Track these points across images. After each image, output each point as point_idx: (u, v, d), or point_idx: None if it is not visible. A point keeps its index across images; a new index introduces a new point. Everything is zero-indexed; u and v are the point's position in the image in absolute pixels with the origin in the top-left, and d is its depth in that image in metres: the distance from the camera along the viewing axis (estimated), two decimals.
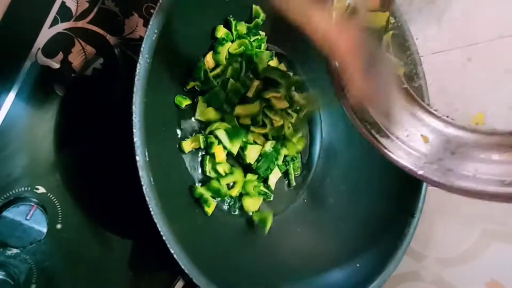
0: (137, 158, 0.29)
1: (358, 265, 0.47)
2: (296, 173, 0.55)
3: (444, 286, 0.52)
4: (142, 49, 0.29)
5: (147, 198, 0.29)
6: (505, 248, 0.48)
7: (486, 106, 0.53)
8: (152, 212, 0.29)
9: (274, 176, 0.51)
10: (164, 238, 0.30)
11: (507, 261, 0.47)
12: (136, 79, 0.29)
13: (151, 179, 0.30)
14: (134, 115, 0.29)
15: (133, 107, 0.28)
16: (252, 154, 0.47)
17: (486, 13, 0.57)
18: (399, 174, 0.51)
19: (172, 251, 0.30)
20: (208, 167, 0.45)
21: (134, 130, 0.28)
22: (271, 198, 0.51)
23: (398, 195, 0.51)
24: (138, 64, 0.29)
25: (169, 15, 0.32)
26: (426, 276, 0.54)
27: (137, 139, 0.29)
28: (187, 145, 0.44)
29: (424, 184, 0.49)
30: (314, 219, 0.53)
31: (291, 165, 0.54)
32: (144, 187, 0.29)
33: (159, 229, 0.29)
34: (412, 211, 0.48)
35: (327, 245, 0.51)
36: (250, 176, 0.49)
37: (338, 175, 0.56)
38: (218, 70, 0.46)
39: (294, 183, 0.54)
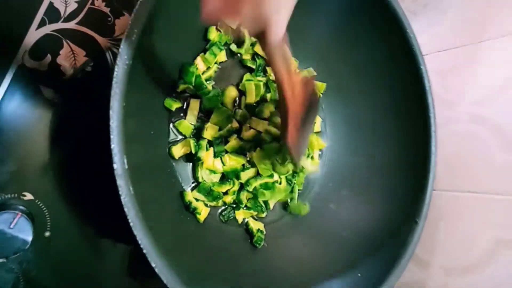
0: (115, 166, 0.27)
1: (359, 274, 0.45)
2: (299, 189, 0.52)
3: None
4: (120, 50, 0.27)
5: (125, 209, 0.27)
6: None
7: (494, 104, 0.51)
8: (131, 224, 0.27)
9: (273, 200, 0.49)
10: (145, 251, 0.28)
11: None
12: (114, 82, 0.27)
13: (131, 188, 0.28)
14: (111, 120, 0.27)
15: (110, 112, 0.27)
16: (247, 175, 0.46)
17: (491, 10, 0.55)
18: (403, 180, 0.49)
19: (154, 265, 0.28)
20: (200, 173, 0.43)
21: (112, 136, 0.27)
22: (264, 215, 0.49)
23: (402, 201, 0.49)
24: (116, 67, 0.27)
25: (152, 13, 0.30)
26: (432, 286, 0.52)
27: (115, 145, 0.27)
28: (177, 150, 0.42)
29: (429, 190, 0.47)
30: (314, 226, 0.51)
31: (295, 182, 0.51)
32: (122, 197, 0.27)
33: (139, 241, 0.28)
34: (416, 218, 0.46)
35: (327, 253, 0.49)
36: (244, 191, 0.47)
37: (340, 180, 0.54)
38: (210, 73, 0.44)
39: (296, 201, 0.51)
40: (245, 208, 0.46)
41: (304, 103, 0.34)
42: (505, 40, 0.52)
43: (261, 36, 0.27)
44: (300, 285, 0.44)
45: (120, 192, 0.27)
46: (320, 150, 0.55)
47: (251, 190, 0.46)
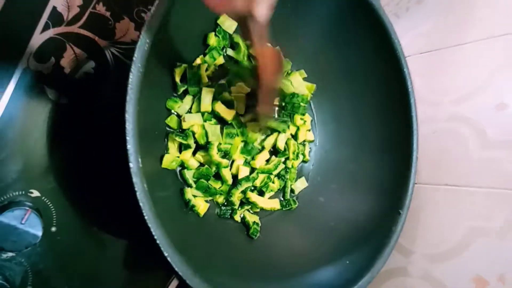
0: (131, 165, 0.29)
1: (348, 262, 0.48)
2: (292, 184, 0.55)
3: (431, 281, 0.54)
4: (134, 58, 0.30)
5: (140, 204, 0.30)
6: (489, 244, 0.49)
7: (473, 104, 0.55)
8: (146, 218, 0.30)
9: (267, 196, 0.52)
10: (158, 242, 0.30)
11: (491, 257, 0.49)
12: (129, 88, 0.30)
13: (145, 185, 0.30)
14: (127, 123, 0.29)
15: (126, 115, 0.29)
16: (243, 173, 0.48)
17: (474, 13, 0.59)
18: (387, 174, 0.53)
19: (166, 254, 0.31)
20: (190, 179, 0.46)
21: (128, 138, 0.29)
22: (258, 209, 0.52)
23: (386, 194, 0.52)
24: (130, 74, 0.30)
25: (161, 24, 0.32)
26: (414, 272, 0.56)
27: (130, 146, 0.29)
28: (173, 147, 0.44)
29: (411, 183, 0.50)
30: (305, 218, 0.55)
31: (288, 177, 0.54)
32: (137, 193, 0.30)
33: (153, 233, 0.30)
34: (399, 209, 0.50)
35: (318, 243, 0.52)
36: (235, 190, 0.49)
37: (329, 174, 0.57)
38: (208, 72, 0.47)
39: (288, 196, 0.54)
40: (239, 208, 0.49)
41: (273, 72, 0.39)
42: (484, 43, 0.56)
43: (246, 18, 0.30)
44: (293, 272, 0.47)
45: (135, 189, 0.30)
46: (310, 146, 0.59)
47: (243, 189, 0.48)
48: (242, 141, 0.48)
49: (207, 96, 0.45)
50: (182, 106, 0.45)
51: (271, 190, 0.51)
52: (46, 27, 0.45)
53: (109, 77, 0.49)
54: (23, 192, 0.44)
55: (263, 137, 0.51)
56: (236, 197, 0.47)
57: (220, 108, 0.46)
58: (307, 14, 0.51)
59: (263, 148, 0.51)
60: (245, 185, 0.48)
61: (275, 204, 0.51)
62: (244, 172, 0.48)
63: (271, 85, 0.40)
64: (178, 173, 0.46)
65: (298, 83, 0.55)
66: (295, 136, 0.55)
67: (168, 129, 0.45)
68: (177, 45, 0.41)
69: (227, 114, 0.47)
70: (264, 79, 0.38)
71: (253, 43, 0.33)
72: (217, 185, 0.47)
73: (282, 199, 0.53)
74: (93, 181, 0.48)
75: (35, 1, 0.45)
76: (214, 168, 0.46)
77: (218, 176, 0.47)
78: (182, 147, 0.45)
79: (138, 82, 0.30)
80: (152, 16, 0.31)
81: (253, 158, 0.50)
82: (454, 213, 0.54)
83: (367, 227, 0.51)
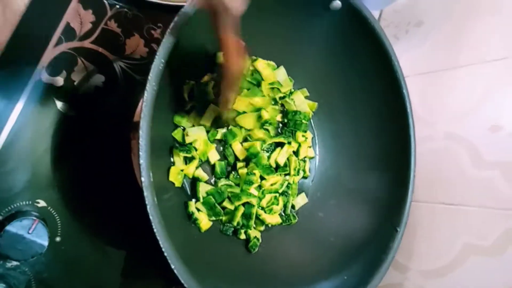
0: (142, 179, 0.31)
1: (345, 277, 0.49)
2: (293, 200, 0.56)
3: None
4: (149, 77, 0.31)
5: (150, 217, 0.31)
6: (482, 262, 0.51)
7: (467, 125, 0.57)
8: (155, 230, 0.31)
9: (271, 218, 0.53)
10: (165, 254, 0.31)
11: (484, 274, 0.50)
12: (143, 106, 0.31)
13: (155, 198, 0.32)
14: (141, 139, 0.30)
15: (140, 131, 0.30)
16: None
17: (470, 37, 0.61)
18: (385, 191, 0.54)
19: (173, 267, 0.32)
20: (201, 192, 0.47)
21: (141, 153, 0.30)
22: (263, 228, 0.53)
23: (383, 210, 0.53)
24: (145, 92, 0.31)
25: (174, 44, 0.34)
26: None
27: (143, 161, 0.31)
28: (178, 160, 0.46)
29: (408, 201, 0.52)
30: (305, 232, 0.56)
31: (290, 192, 0.55)
32: (148, 207, 0.31)
33: (161, 245, 0.31)
34: (396, 226, 0.51)
35: (316, 257, 0.53)
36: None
37: (328, 190, 0.58)
38: (216, 89, 0.48)
39: (288, 211, 0.55)
40: (243, 227, 0.50)
41: (236, 62, 0.39)
42: (478, 67, 0.58)
43: (219, 9, 0.31)
44: (292, 285, 0.48)
45: (146, 202, 0.31)
46: (310, 162, 0.60)
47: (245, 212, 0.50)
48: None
49: (211, 112, 0.47)
50: (188, 120, 0.46)
51: (275, 212, 0.53)
52: (59, 42, 0.47)
53: (117, 91, 0.50)
54: (30, 202, 0.45)
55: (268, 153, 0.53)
56: (236, 222, 0.49)
57: (237, 147, 0.49)
58: (309, 35, 0.52)
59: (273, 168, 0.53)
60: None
61: (277, 219, 0.52)
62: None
63: (233, 74, 0.40)
64: (187, 184, 0.47)
65: (300, 101, 0.56)
66: (296, 152, 0.56)
67: (174, 142, 0.46)
68: (187, 64, 0.43)
69: (242, 154, 0.50)
70: (227, 68, 0.39)
71: (220, 32, 0.34)
72: (231, 206, 0.48)
73: (282, 214, 0.54)
74: (97, 192, 0.49)
75: (50, 16, 0.46)
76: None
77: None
78: (187, 160, 0.47)
79: (152, 100, 0.31)
80: (167, 38, 0.32)
81: (263, 178, 0.51)
82: (449, 231, 0.55)
83: (364, 243, 0.52)
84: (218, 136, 0.49)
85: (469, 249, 0.52)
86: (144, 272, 0.52)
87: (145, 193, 0.31)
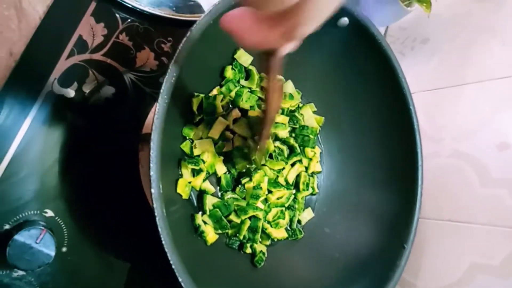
0: (152, 190, 0.31)
1: None
2: (299, 215, 0.56)
3: None
4: (162, 91, 0.32)
5: (159, 229, 0.31)
6: (490, 282, 0.50)
7: (474, 142, 0.57)
8: (163, 242, 0.31)
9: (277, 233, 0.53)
10: (174, 267, 0.31)
11: None
12: (155, 118, 0.31)
13: (164, 210, 0.32)
14: (152, 151, 0.31)
15: (151, 143, 0.31)
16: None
17: (477, 54, 0.61)
18: (392, 208, 0.54)
19: (181, 280, 0.32)
20: (208, 205, 0.47)
21: (151, 165, 0.31)
22: (269, 242, 0.52)
23: (390, 227, 0.53)
24: (157, 104, 0.31)
25: (186, 58, 0.34)
26: None
27: (153, 172, 0.31)
28: (186, 173, 0.46)
29: (416, 218, 0.51)
30: (310, 248, 0.55)
31: (297, 207, 0.55)
32: (157, 218, 0.31)
33: (169, 258, 0.31)
34: (403, 243, 0.51)
35: (322, 273, 0.53)
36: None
37: (334, 205, 0.58)
38: (223, 103, 0.49)
39: (294, 226, 0.55)
40: (249, 241, 0.50)
41: (278, 106, 0.41)
42: (485, 84, 0.58)
43: (270, 53, 0.30)
44: None
45: (155, 214, 0.31)
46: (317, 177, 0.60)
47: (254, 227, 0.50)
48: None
49: (219, 125, 0.47)
50: (196, 133, 0.46)
51: (281, 227, 0.52)
52: (71, 54, 0.47)
53: (127, 102, 0.51)
54: (38, 212, 0.45)
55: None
56: (242, 235, 0.49)
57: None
58: (316, 51, 0.53)
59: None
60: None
61: (283, 234, 0.52)
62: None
63: (273, 112, 0.41)
64: (194, 197, 0.47)
65: (308, 116, 0.57)
66: (305, 168, 0.57)
67: (183, 155, 0.47)
68: (196, 77, 0.44)
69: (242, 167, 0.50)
70: (269, 112, 0.40)
71: (269, 76, 0.35)
72: (237, 219, 0.48)
73: (288, 228, 0.54)
74: (105, 204, 0.49)
75: (63, 29, 0.47)
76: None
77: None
78: (195, 173, 0.47)
79: (164, 113, 0.32)
80: (180, 53, 0.33)
81: (270, 191, 0.51)
82: (456, 248, 0.54)
83: (371, 259, 0.52)
84: (225, 149, 0.49)
85: (476, 268, 0.52)
86: (148, 286, 0.52)
87: (155, 205, 0.31)
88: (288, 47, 0.27)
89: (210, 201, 0.46)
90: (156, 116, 0.31)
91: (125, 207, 0.50)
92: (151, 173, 0.31)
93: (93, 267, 0.48)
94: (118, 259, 0.50)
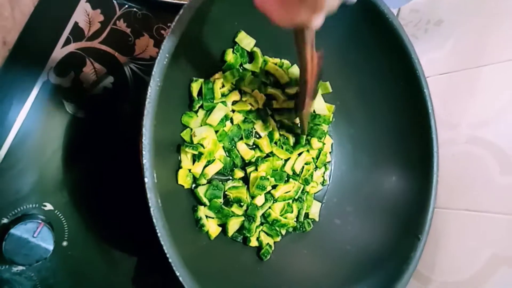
0: (146, 180, 0.29)
1: None
2: (307, 209, 0.53)
3: None
4: (153, 73, 0.30)
5: (154, 220, 0.29)
6: None
7: (493, 128, 0.54)
8: (159, 235, 0.29)
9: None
10: (170, 260, 0.30)
11: None
12: (147, 102, 0.29)
13: (159, 200, 0.30)
14: (144, 137, 0.29)
15: (143, 129, 0.29)
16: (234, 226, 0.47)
17: (490, 37, 0.58)
18: (405, 197, 0.51)
19: (178, 274, 0.30)
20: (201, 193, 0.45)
21: (144, 152, 0.29)
22: (279, 239, 0.50)
23: (404, 218, 0.51)
24: (149, 88, 0.29)
25: (180, 39, 0.32)
26: None
27: (146, 161, 0.29)
28: (186, 159, 0.44)
29: (431, 207, 0.49)
30: (320, 240, 0.53)
31: (305, 198, 0.53)
32: (151, 209, 0.29)
33: (166, 251, 0.30)
34: (418, 234, 0.48)
35: (332, 267, 0.50)
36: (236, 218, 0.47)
37: (345, 196, 0.56)
38: (223, 90, 0.47)
39: (302, 218, 0.53)
40: (258, 234, 0.48)
41: (318, 75, 0.42)
42: (504, 66, 0.55)
43: (302, 28, 0.32)
44: None
45: (150, 204, 0.29)
46: (326, 168, 0.57)
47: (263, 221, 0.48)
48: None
49: (219, 111, 0.45)
50: (196, 120, 0.44)
51: (287, 226, 0.51)
52: (67, 42, 0.46)
53: (127, 93, 0.49)
54: (37, 205, 0.44)
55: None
56: (254, 229, 0.47)
57: (242, 147, 0.47)
58: (323, 33, 0.50)
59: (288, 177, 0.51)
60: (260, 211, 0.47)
61: (292, 223, 0.50)
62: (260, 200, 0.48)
63: (315, 87, 0.43)
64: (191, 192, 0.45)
65: (319, 103, 0.54)
66: (314, 158, 0.54)
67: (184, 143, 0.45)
68: (195, 61, 0.41)
69: (247, 154, 0.48)
70: (311, 83, 0.41)
71: (305, 50, 0.35)
72: (239, 211, 0.46)
73: (296, 221, 0.52)
74: (107, 197, 0.47)
75: (58, 16, 0.46)
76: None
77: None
78: (195, 159, 0.45)
79: (156, 97, 0.30)
80: (172, 32, 0.31)
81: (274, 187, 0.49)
82: (475, 239, 0.52)
83: (384, 252, 0.49)
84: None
85: (497, 260, 0.49)
86: (153, 280, 0.50)
87: (148, 195, 0.29)
88: (319, 20, 0.28)
89: (201, 191, 0.44)
90: (148, 100, 0.29)
91: (128, 199, 0.48)
92: (144, 161, 0.29)
93: (97, 262, 0.47)
94: (123, 253, 0.48)
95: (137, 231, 0.48)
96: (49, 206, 0.44)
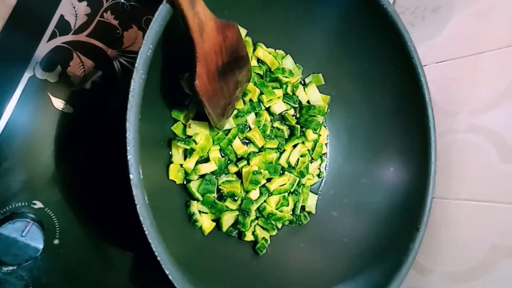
0: (131, 176, 0.28)
1: (362, 281, 0.46)
2: (304, 202, 0.53)
3: None
4: (136, 65, 0.28)
5: (141, 218, 0.28)
6: None
7: (492, 115, 0.53)
8: (146, 232, 0.28)
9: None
10: (159, 259, 0.29)
11: None
12: (130, 96, 0.28)
13: (146, 197, 0.29)
14: (128, 132, 0.28)
15: (127, 124, 0.28)
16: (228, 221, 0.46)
17: (490, 23, 0.56)
18: (403, 188, 0.50)
19: (168, 272, 0.29)
20: (193, 188, 0.44)
21: (128, 148, 0.28)
22: (275, 232, 0.49)
23: (402, 208, 0.50)
24: (132, 81, 0.28)
25: (165, 30, 0.31)
26: None
27: (131, 156, 0.28)
28: (177, 154, 0.43)
29: (429, 197, 0.48)
30: (317, 233, 0.52)
31: (301, 191, 0.52)
32: (138, 206, 0.28)
33: (154, 249, 0.29)
34: (417, 225, 0.47)
35: (330, 260, 0.50)
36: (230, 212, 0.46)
37: (341, 188, 0.55)
38: None
39: (298, 211, 0.52)
40: (254, 228, 0.47)
41: (221, 51, 0.34)
42: (503, 52, 0.54)
43: None
44: None
45: (136, 202, 0.28)
46: (322, 160, 0.56)
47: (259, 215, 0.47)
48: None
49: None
50: (187, 114, 0.43)
51: (283, 220, 0.50)
52: (53, 36, 0.45)
53: (117, 87, 0.48)
54: (26, 203, 0.43)
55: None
56: (249, 224, 0.46)
57: (236, 142, 0.46)
58: (318, 20, 0.49)
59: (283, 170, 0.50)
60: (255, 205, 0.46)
61: (288, 216, 0.49)
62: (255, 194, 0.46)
63: (216, 66, 0.36)
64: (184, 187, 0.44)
65: (314, 94, 0.53)
66: (310, 150, 0.53)
67: (175, 137, 0.44)
68: (183, 53, 0.40)
69: (240, 149, 0.47)
70: (199, 42, 0.33)
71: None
72: (233, 205, 0.45)
73: (292, 214, 0.51)
74: (98, 193, 0.46)
75: (43, 9, 0.44)
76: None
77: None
78: (187, 155, 0.44)
79: (140, 90, 0.29)
80: (155, 21, 0.30)
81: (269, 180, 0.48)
82: (476, 229, 0.51)
83: (383, 244, 0.49)
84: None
85: (499, 251, 0.48)
86: (151, 278, 0.49)
87: (134, 192, 0.28)
88: None
89: (194, 186, 0.43)
90: (131, 93, 0.28)
91: (120, 195, 0.47)
92: (129, 157, 0.28)
93: (90, 260, 0.46)
94: (118, 250, 0.47)
95: (131, 226, 0.47)
96: (39, 204, 0.43)
